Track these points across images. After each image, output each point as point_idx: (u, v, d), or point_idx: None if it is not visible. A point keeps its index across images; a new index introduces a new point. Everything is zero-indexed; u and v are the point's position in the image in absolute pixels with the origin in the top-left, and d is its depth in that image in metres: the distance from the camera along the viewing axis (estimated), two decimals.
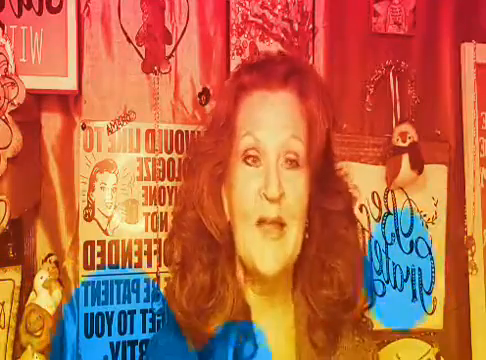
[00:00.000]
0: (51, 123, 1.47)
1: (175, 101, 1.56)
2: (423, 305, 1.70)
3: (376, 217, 1.68)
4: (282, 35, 1.62)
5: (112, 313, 1.48)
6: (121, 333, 1.48)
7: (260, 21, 1.61)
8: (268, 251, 0.95)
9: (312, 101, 0.99)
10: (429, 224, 1.71)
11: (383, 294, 1.67)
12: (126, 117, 1.51)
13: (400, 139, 1.62)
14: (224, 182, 1.02)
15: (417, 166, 1.62)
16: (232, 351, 0.97)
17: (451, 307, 1.73)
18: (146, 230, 1.52)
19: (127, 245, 1.50)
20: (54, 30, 1.41)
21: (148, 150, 1.53)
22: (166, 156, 1.54)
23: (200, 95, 1.57)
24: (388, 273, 1.68)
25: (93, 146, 1.49)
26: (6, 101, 1.29)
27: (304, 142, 0.97)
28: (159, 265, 1.51)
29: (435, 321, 1.71)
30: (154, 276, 1.51)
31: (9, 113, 1.30)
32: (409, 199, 1.70)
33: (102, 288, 1.48)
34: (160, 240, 1.51)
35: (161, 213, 1.52)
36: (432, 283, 1.71)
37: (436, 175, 1.71)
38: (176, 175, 1.54)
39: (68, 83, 1.43)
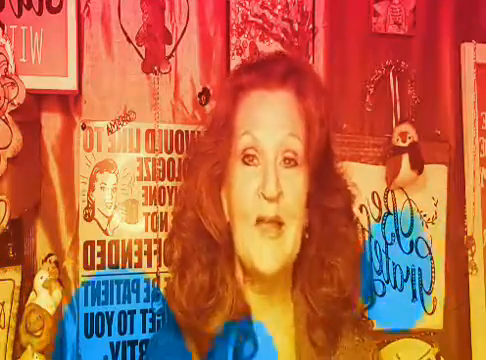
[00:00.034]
0: (51, 123, 1.47)
1: (175, 101, 1.56)
2: (423, 305, 1.70)
3: (376, 217, 1.68)
4: (282, 35, 1.62)
5: (112, 313, 1.48)
6: (121, 333, 1.48)
7: (260, 21, 1.61)
8: (267, 250, 0.95)
9: (310, 100, 0.99)
10: (429, 224, 1.71)
11: (383, 294, 1.67)
12: (126, 117, 1.51)
13: (400, 139, 1.62)
14: (223, 182, 1.02)
15: (417, 166, 1.62)
16: (232, 351, 0.97)
17: (451, 307, 1.73)
18: (146, 230, 1.52)
19: (127, 245, 1.50)
20: (54, 30, 1.41)
21: (148, 150, 1.53)
22: (166, 156, 1.54)
23: (200, 95, 1.57)
24: (388, 273, 1.68)
25: (93, 146, 1.49)
26: (6, 101, 1.29)
27: (302, 141, 0.97)
28: (159, 265, 1.51)
29: (435, 321, 1.71)
30: (154, 276, 1.51)
31: (9, 113, 1.30)
32: (409, 199, 1.70)
33: (102, 288, 1.48)
34: (160, 240, 1.51)
35: (161, 213, 1.52)
36: (432, 283, 1.71)
37: (436, 175, 1.72)
38: (176, 175, 1.54)
39: (68, 83, 1.43)
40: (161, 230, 1.52)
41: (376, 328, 1.48)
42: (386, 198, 1.69)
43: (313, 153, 0.98)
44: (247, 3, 1.60)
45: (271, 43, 1.61)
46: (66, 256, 1.47)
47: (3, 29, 1.36)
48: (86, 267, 1.47)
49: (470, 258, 1.73)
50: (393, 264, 1.69)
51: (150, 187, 1.52)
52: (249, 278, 1.01)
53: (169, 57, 1.55)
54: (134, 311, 1.50)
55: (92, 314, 1.47)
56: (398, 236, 1.69)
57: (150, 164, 1.53)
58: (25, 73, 1.36)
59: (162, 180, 1.53)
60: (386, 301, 1.66)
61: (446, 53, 1.77)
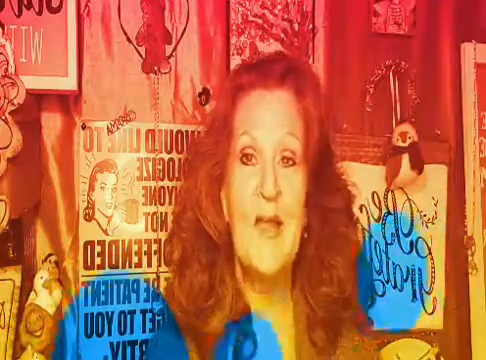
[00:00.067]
0: (51, 123, 1.47)
1: (175, 101, 1.56)
2: (423, 305, 1.70)
3: (376, 217, 1.68)
4: (282, 35, 1.62)
5: (112, 313, 1.48)
6: (121, 333, 1.48)
7: (260, 21, 1.61)
8: (266, 249, 0.95)
9: (309, 100, 0.99)
10: (429, 224, 1.71)
11: (383, 294, 1.67)
12: (126, 117, 1.51)
13: (400, 139, 1.62)
14: (223, 182, 1.02)
15: (417, 166, 1.62)
16: (232, 350, 0.97)
17: (451, 307, 1.73)
18: (146, 230, 1.52)
19: (127, 245, 1.50)
20: (54, 30, 1.41)
21: (148, 150, 1.53)
22: (166, 156, 1.54)
23: (200, 95, 1.57)
24: (388, 273, 1.68)
25: (93, 146, 1.49)
26: (6, 101, 1.30)
27: (301, 140, 0.97)
28: (159, 265, 1.51)
29: (435, 321, 1.71)
30: (154, 276, 1.51)
31: (9, 113, 1.30)
32: (409, 199, 1.70)
33: (102, 288, 1.48)
34: (160, 240, 1.51)
35: (161, 213, 1.52)
36: (432, 283, 1.71)
37: (436, 175, 1.72)
38: (176, 175, 1.54)
39: (68, 83, 1.43)
40: (161, 230, 1.52)
41: (376, 328, 1.48)
42: (386, 198, 1.69)
43: (312, 152, 0.98)
44: (247, 3, 1.60)
45: (271, 43, 1.61)
46: (66, 256, 1.47)
47: (3, 29, 1.36)
48: (86, 267, 1.47)
49: (470, 258, 1.73)
50: (393, 264, 1.69)
51: (150, 187, 1.52)
52: (249, 278, 1.01)
53: (169, 57, 1.56)
54: (134, 311, 1.50)
55: (92, 314, 1.47)
56: (398, 236, 1.69)
57: (150, 164, 1.53)
58: (25, 73, 1.36)
59: (162, 180, 1.53)
60: (386, 301, 1.66)
61: (446, 53, 1.77)
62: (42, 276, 1.32)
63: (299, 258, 1.00)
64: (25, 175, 1.37)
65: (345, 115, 1.67)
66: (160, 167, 1.53)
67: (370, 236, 1.67)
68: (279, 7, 1.62)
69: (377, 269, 1.67)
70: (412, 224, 1.70)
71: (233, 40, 1.58)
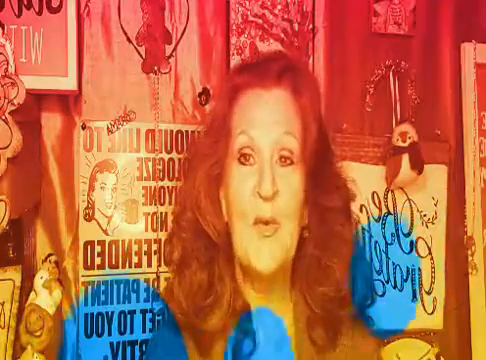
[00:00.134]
0: (51, 123, 1.47)
1: (175, 101, 1.56)
2: (423, 305, 1.70)
3: (376, 217, 1.68)
4: (282, 35, 1.62)
5: (112, 313, 1.48)
6: (121, 333, 1.49)
7: (260, 21, 1.61)
8: (264, 249, 0.94)
9: (306, 98, 0.99)
10: (429, 224, 1.71)
11: (383, 294, 1.67)
12: (126, 117, 1.51)
13: (400, 139, 1.62)
14: (221, 182, 1.02)
15: (417, 166, 1.62)
16: (231, 348, 0.98)
17: (451, 307, 1.73)
18: (146, 230, 1.52)
19: (127, 245, 1.50)
20: (54, 30, 1.41)
21: (148, 150, 1.53)
22: (166, 156, 1.54)
23: (200, 95, 1.57)
24: (388, 273, 1.68)
25: (93, 146, 1.49)
26: (6, 101, 1.30)
27: (298, 139, 0.97)
28: (159, 265, 1.51)
29: (435, 321, 1.71)
30: (154, 276, 1.51)
31: (9, 113, 1.30)
32: (409, 199, 1.70)
33: (102, 288, 1.48)
34: (160, 240, 1.51)
35: (161, 213, 1.52)
36: (432, 283, 1.71)
37: (436, 175, 1.72)
38: (176, 175, 1.54)
39: (68, 83, 1.43)
40: (161, 230, 1.52)
41: (376, 328, 1.48)
42: (386, 198, 1.69)
43: (309, 152, 0.97)
44: (247, 3, 1.60)
45: (271, 43, 1.61)
46: (66, 256, 1.47)
47: (3, 29, 1.36)
48: (86, 267, 1.47)
49: (470, 258, 1.73)
50: (393, 264, 1.69)
51: (150, 187, 1.53)
52: (248, 278, 1.01)
53: (169, 57, 1.56)
54: (134, 311, 1.50)
55: (92, 314, 1.47)
56: (398, 236, 1.69)
57: (150, 164, 1.53)
58: (25, 73, 1.36)
59: (162, 180, 1.53)
60: (386, 301, 1.66)
61: (446, 53, 1.77)
62: (42, 276, 1.32)
63: (298, 257, 1.00)
64: (25, 175, 1.37)
65: (345, 115, 1.67)
66: (160, 167, 1.53)
67: (370, 236, 1.67)
68: (279, 7, 1.62)
69: (377, 269, 1.67)
70: (412, 224, 1.70)
71: (233, 40, 1.58)
